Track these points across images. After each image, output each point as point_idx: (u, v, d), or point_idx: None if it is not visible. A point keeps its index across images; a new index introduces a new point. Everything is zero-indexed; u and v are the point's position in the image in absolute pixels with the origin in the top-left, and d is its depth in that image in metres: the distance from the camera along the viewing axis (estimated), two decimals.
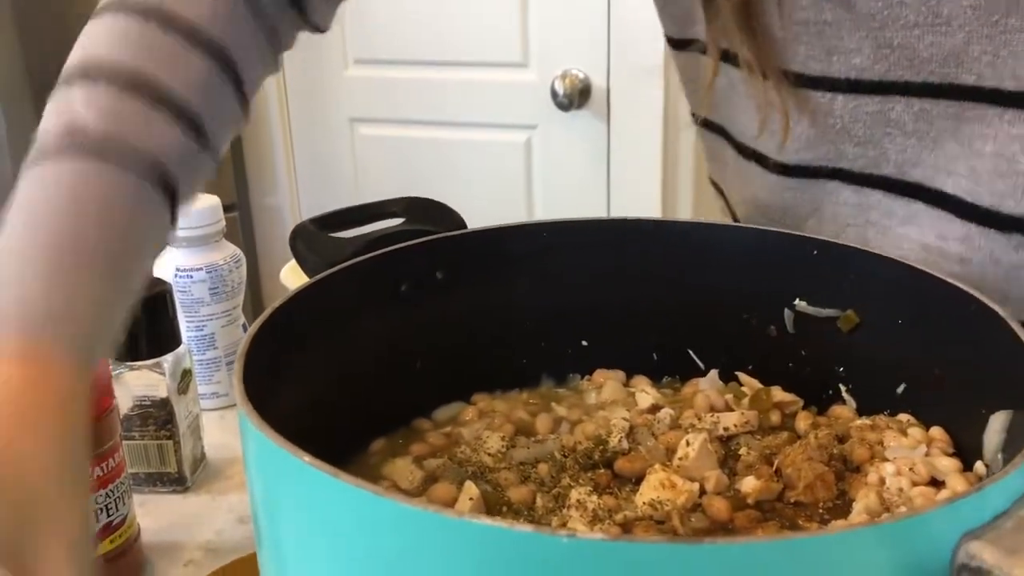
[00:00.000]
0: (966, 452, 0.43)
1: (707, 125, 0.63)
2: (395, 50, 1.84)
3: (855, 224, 0.55)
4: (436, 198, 0.55)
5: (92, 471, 0.58)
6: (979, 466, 0.41)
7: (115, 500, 0.60)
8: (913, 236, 0.53)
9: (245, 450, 0.36)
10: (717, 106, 0.60)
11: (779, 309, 0.51)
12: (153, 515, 0.66)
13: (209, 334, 0.80)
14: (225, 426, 0.80)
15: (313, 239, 0.51)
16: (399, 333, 0.50)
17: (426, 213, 0.53)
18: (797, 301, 0.50)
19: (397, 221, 0.54)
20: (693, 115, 0.65)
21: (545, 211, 1.81)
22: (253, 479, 0.36)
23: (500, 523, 0.27)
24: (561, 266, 0.53)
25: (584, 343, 0.54)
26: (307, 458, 0.30)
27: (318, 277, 0.45)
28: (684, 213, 1.75)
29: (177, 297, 0.78)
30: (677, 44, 0.63)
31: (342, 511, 0.30)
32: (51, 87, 0.48)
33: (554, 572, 0.26)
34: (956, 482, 0.40)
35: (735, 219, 0.65)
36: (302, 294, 0.44)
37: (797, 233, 0.49)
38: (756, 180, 0.58)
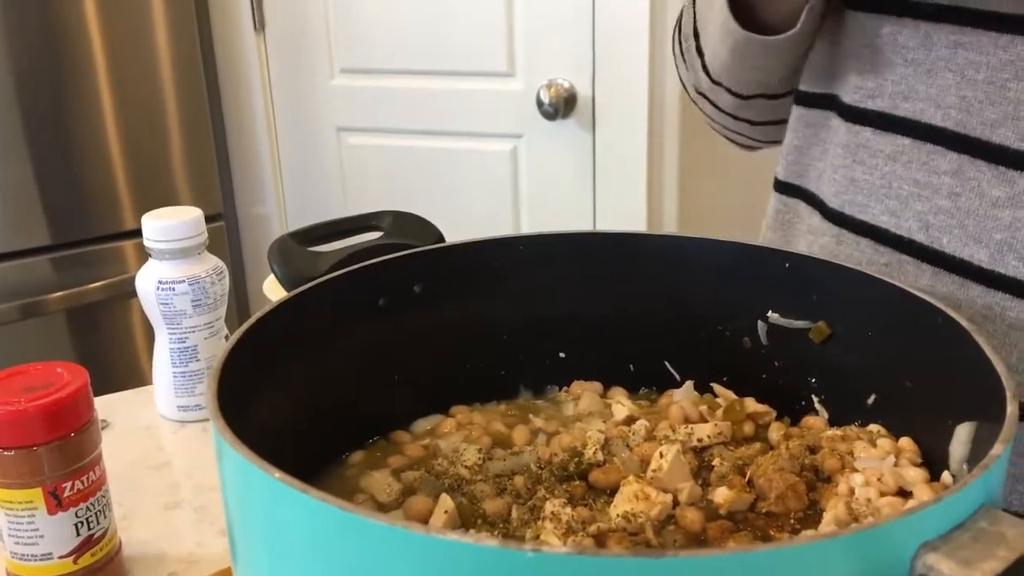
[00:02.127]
0: (934, 462, 0.43)
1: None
2: (381, 59, 1.84)
3: (844, 165, 0.56)
4: (423, 207, 0.56)
5: (71, 485, 0.58)
6: (946, 476, 0.42)
7: (95, 514, 0.60)
8: (901, 173, 0.54)
9: (220, 465, 0.36)
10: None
11: (753, 321, 0.51)
12: (134, 528, 0.67)
13: (191, 346, 0.80)
14: (206, 439, 0.81)
15: (290, 253, 0.52)
16: (377, 347, 0.50)
17: (405, 227, 0.54)
18: (770, 313, 0.51)
19: (377, 235, 0.54)
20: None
21: (531, 219, 1.82)
22: (227, 494, 0.36)
23: (466, 538, 0.27)
24: (538, 279, 0.53)
25: (562, 355, 0.55)
26: (277, 474, 0.30)
27: (295, 292, 0.46)
28: (669, 220, 1.76)
29: (159, 309, 0.78)
30: None
31: (311, 526, 0.30)
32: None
33: None
34: (923, 492, 0.41)
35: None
36: (279, 309, 0.45)
37: (770, 247, 0.50)
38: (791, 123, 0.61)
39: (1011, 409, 0.33)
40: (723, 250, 0.51)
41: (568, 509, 0.42)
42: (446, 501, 0.42)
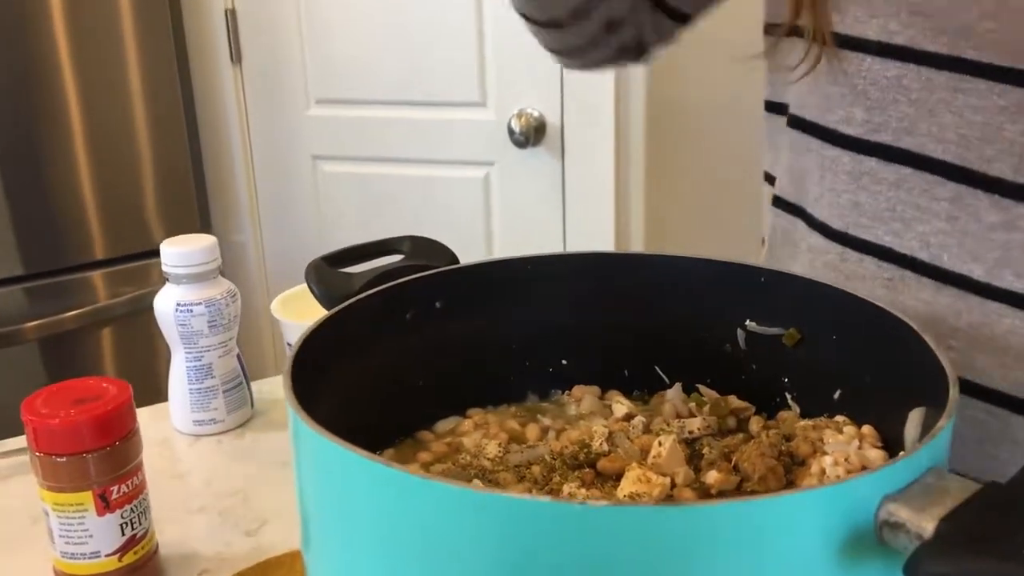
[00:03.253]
0: (892, 445, 0.51)
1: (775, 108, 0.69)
2: (356, 90, 1.91)
3: (848, 190, 0.61)
4: (397, 232, 0.62)
5: (118, 488, 0.64)
6: (902, 455, 0.49)
7: (138, 515, 0.66)
8: (904, 198, 0.58)
9: (296, 450, 0.43)
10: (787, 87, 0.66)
11: (732, 329, 0.59)
12: (168, 530, 0.72)
13: (207, 364, 0.86)
14: (222, 451, 0.86)
15: (325, 274, 0.58)
16: (405, 356, 0.57)
17: (423, 250, 0.61)
18: (748, 322, 0.58)
19: (398, 257, 0.61)
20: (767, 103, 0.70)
21: (503, 243, 1.89)
22: (303, 476, 0.43)
23: (527, 496, 0.34)
24: (544, 295, 0.60)
25: (564, 362, 0.62)
26: (364, 453, 0.37)
27: (338, 308, 0.52)
28: (636, 243, 1.84)
29: (178, 330, 0.84)
30: (767, 29, 0.68)
31: (385, 494, 0.37)
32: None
33: (570, 535, 0.33)
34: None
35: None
36: (325, 323, 0.51)
37: (748, 263, 0.58)
38: (785, 143, 0.65)
39: (952, 393, 0.41)
40: (706, 267, 0.59)
41: (583, 491, 0.49)
42: (477, 485, 0.49)
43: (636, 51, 0.71)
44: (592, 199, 1.82)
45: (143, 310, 1.89)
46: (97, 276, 1.88)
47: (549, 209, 1.85)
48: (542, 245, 1.86)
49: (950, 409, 0.40)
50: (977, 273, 0.55)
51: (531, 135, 1.79)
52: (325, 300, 0.56)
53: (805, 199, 0.64)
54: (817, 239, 0.63)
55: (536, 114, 1.79)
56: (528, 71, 1.78)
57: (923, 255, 0.57)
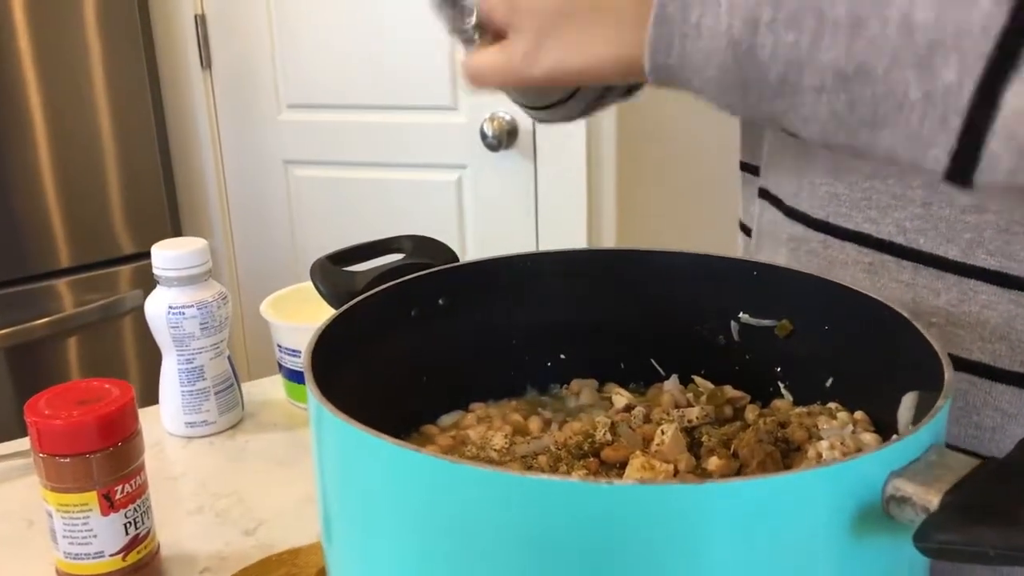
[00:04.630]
0: (883, 429, 0.53)
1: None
2: (327, 95, 1.92)
3: (826, 183, 0.62)
4: (370, 236, 0.64)
5: (121, 488, 0.64)
6: (895, 438, 0.51)
7: (141, 514, 0.66)
8: (879, 187, 0.59)
9: (320, 439, 0.44)
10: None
11: (726, 321, 0.61)
12: (164, 532, 0.73)
13: (199, 366, 0.86)
14: (215, 452, 0.87)
15: (331, 273, 0.59)
16: (410, 352, 0.58)
17: (424, 248, 0.62)
18: (741, 314, 0.60)
19: (399, 256, 0.62)
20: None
21: (476, 246, 1.91)
22: (324, 464, 0.44)
23: (556, 476, 0.35)
24: (542, 291, 0.62)
25: (562, 356, 0.63)
26: (394, 440, 0.38)
27: (347, 306, 0.54)
28: (608, 244, 1.86)
29: (170, 332, 0.85)
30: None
31: (419, 479, 0.38)
32: None
33: (599, 513, 0.35)
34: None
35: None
36: (336, 321, 0.52)
37: (739, 257, 0.60)
38: (766, 136, 0.68)
39: (948, 375, 0.43)
40: (700, 262, 0.60)
41: (591, 479, 0.50)
42: (498, 468, 0.50)
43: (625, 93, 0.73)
44: (564, 201, 1.84)
45: (111, 318, 1.91)
46: (63, 284, 1.87)
47: (522, 211, 1.87)
48: (515, 247, 1.87)
49: (947, 390, 0.42)
50: (952, 253, 0.57)
51: (503, 138, 1.81)
52: (331, 298, 0.57)
53: (784, 191, 0.67)
54: (798, 228, 0.65)
55: (508, 117, 1.81)
56: None
57: (900, 240, 0.59)
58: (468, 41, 0.51)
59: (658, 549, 0.36)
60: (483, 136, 1.81)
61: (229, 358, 0.89)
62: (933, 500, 0.36)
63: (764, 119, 0.42)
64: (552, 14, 0.44)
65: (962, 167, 0.36)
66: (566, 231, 1.84)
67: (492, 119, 1.80)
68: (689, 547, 0.36)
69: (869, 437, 0.52)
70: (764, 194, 0.68)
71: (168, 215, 1.99)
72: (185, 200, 2.08)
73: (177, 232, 2.05)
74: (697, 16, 0.38)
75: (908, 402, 0.50)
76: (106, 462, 0.63)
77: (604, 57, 0.44)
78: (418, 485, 0.39)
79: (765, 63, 0.37)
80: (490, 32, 0.49)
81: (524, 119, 1.81)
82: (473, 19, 0.49)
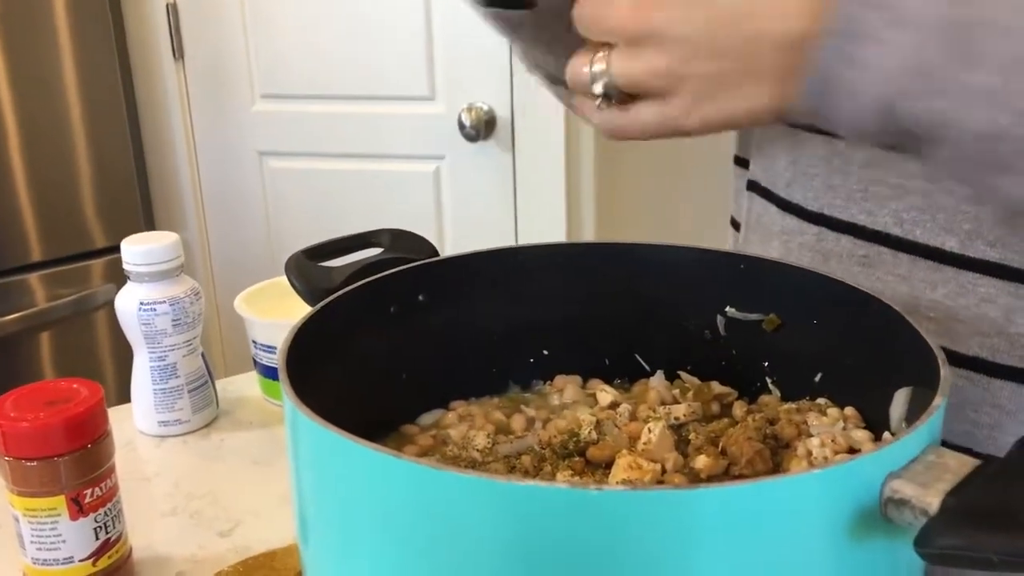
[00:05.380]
0: (874, 426, 0.52)
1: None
2: (302, 85, 1.89)
3: (819, 174, 0.62)
4: (347, 228, 0.62)
5: (91, 492, 0.63)
6: (887, 436, 0.50)
7: (112, 518, 0.64)
8: (876, 176, 0.60)
9: (296, 443, 0.42)
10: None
11: (712, 316, 0.59)
12: (137, 534, 0.71)
13: (171, 364, 0.84)
14: (189, 451, 0.85)
15: (307, 269, 0.57)
16: (389, 350, 0.57)
17: (403, 243, 0.60)
18: (728, 308, 0.59)
19: (377, 250, 0.60)
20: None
21: (455, 238, 1.89)
22: (299, 467, 0.42)
23: (541, 483, 0.34)
24: (524, 285, 0.60)
25: (545, 352, 0.62)
26: (372, 445, 0.37)
27: (325, 302, 0.52)
28: (588, 236, 1.85)
29: (141, 329, 0.82)
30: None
31: (400, 486, 0.37)
32: None
33: (587, 520, 0.34)
34: (869, 449, 0.49)
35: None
36: (314, 317, 0.50)
37: (726, 250, 0.58)
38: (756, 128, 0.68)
39: (944, 372, 0.42)
40: (685, 255, 0.59)
41: (577, 479, 0.49)
42: (479, 473, 0.49)
43: None
44: (543, 192, 1.82)
45: (84, 313, 1.88)
46: (35, 278, 1.84)
47: (500, 203, 1.85)
48: (494, 239, 1.86)
49: (943, 388, 0.41)
50: (950, 245, 0.56)
51: (481, 129, 1.79)
52: (307, 295, 0.55)
53: (777, 183, 0.65)
54: (792, 221, 0.64)
55: (486, 108, 1.79)
56: (477, 65, 1.78)
57: (897, 231, 0.59)
58: (598, 99, 0.51)
59: (648, 556, 0.35)
60: (461, 127, 1.79)
61: (203, 355, 0.87)
62: (933, 502, 0.35)
63: (895, 153, 0.47)
64: (711, 79, 0.46)
65: None
66: (545, 223, 1.83)
67: (470, 109, 1.78)
68: (680, 554, 0.35)
69: (861, 434, 0.51)
70: (753, 186, 0.67)
71: (141, 208, 1.96)
72: (158, 193, 2.04)
73: (150, 225, 2.02)
74: (851, 80, 0.43)
75: (901, 398, 0.49)
76: (74, 465, 0.61)
77: (757, 110, 0.47)
78: (398, 491, 0.37)
79: (910, 126, 0.42)
80: (625, 92, 0.50)
81: (502, 110, 1.79)
82: (602, 86, 0.50)
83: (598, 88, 0.50)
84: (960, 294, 0.56)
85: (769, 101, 0.46)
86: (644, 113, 0.49)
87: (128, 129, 1.91)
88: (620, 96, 0.50)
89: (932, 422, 0.39)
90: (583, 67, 0.50)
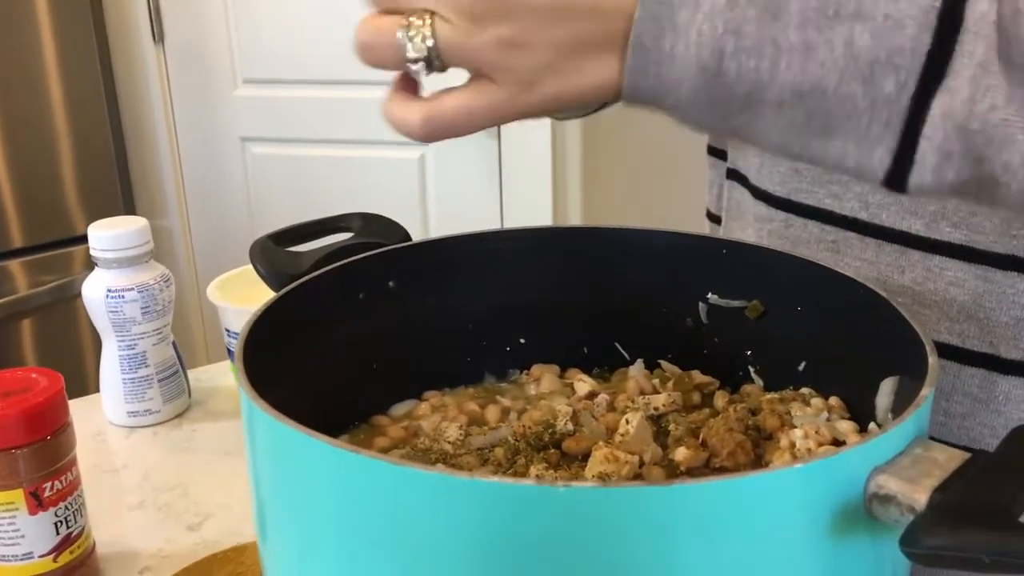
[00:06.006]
0: (859, 417, 0.50)
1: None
2: (285, 69, 1.86)
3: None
4: (330, 215, 0.60)
5: (50, 485, 0.60)
6: (872, 427, 0.48)
7: (73, 512, 0.62)
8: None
9: (252, 440, 0.40)
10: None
11: (694, 303, 0.58)
12: (102, 529, 0.68)
13: (140, 352, 0.82)
14: (159, 443, 0.83)
15: (272, 254, 0.55)
16: (358, 338, 0.54)
17: (374, 227, 0.58)
18: (710, 295, 0.57)
19: (347, 235, 0.58)
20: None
21: (439, 225, 1.86)
22: (262, 467, 0.40)
23: (507, 479, 0.32)
24: (499, 271, 0.58)
25: (522, 340, 0.60)
26: (331, 440, 0.35)
27: (290, 288, 0.50)
28: (574, 223, 1.83)
29: (109, 317, 0.80)
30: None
31: (361, 484, 0.35)
32: None
33: (556, 518, 0.32)
34: (854, 440, 0.47)
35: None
36: (274, 306, 0.48)
37: (708, 235, 0.56)
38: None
39: (932, 360, 0.40)
40: (666, 239, 0.57)
41: (551, 472, 0.47)
42: (442, 470, 0.47)
43: None
44: (529, 179, 1.80)
45: (66, 299, 1.85)
46: (15, 265, 1.82)
47: (486, 190, 1.83)
48: (479, 227, 1.83)
49: (931, 377, 0.39)
50: (916, 227, 0.55)
51: None
52: (272, 281, 0.53)
53: (748, 170, 0.64)
54: (761, 208, 0.62)
55: None
56: None
57: (863, 215, 0.57)
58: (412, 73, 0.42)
59: (622, 555, 0.33)
60: None
61: (174, 343, 0.85)
62: (920, 499, 0.33)
63: (729, 133, 0.44)
64: (562, 46, 0.41)
65: (899, 168, 0.40)
66: (531, 211, 1.81)
67: None
68: (657, 551, 0.33)
69: (846, 425, 0.49)
70: (733, 174, 0.65)
71: (121, 194, 1.93)
72: (139, 179, 2.01)
73: (131, 212, 1.99)
74: (670, 46, 0.40)
75: (887, 388, 0.47)
76: (33, 457, 0.59)
77: (604, 83, 0.42)
78: (357, 488, 0.35)
79: (731, 85, 0.40)
80: (440, 70, 0.42)
81: None
82: (422, 57, 0.41)
83: (413, 58, 0.41)
84: (928, 279, 0.55)
85: (609, 75, 0.41)
86: (461, 96, 0.41)
87: (108, 114, 1.88)
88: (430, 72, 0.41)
89: (919, 414, 0.37)
90: (392, 31, 0.41)
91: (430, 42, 0.40)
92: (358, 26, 0.44)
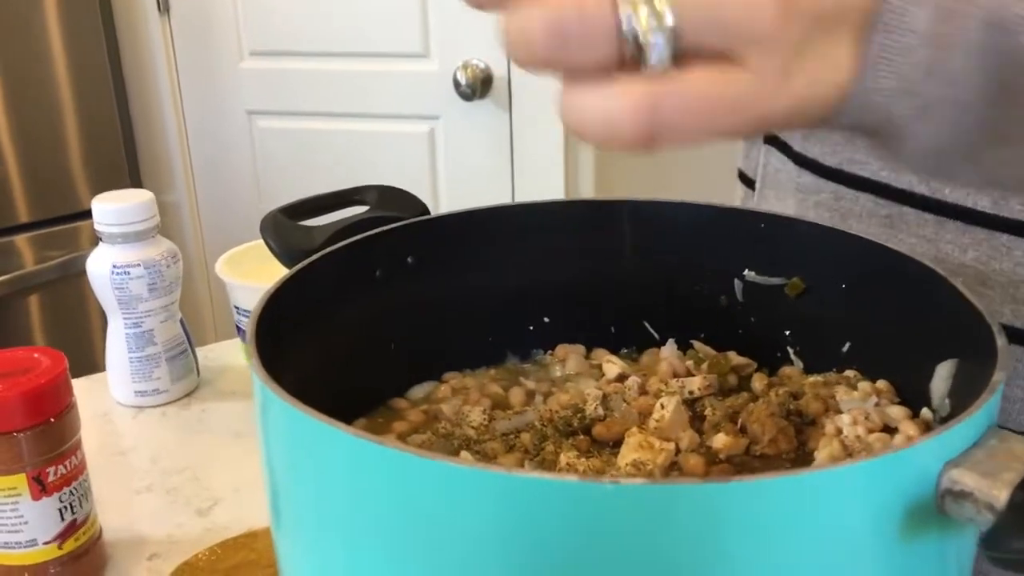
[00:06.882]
0: (909, 401, 0.47)
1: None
2: (292, 41, 1.82)
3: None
4: (338, 190, 0.57)
5: (54, 470, 0.58)
6: (925, 412, 0.45)
7: (79, 498, 0.60)
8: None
9: (266, 426, 0.37)
10: None
11: (729, 280, 0.54)
12: (109, 514, 0.66)
13: (148, 330, 0.79)
14: (168, 423, 0.80)
15: (284, 228, 0.52)
16: (374, 317, 0.51)
17: (391, 200, 0.55)
18: (746, 271, 0.54)
19: (362, 209, 0.55)
20: None
21: (450, 201, 1.83)
22: (276, 453, 0.37)
23: (548, 475, 0.29)
24: (522, 247, 0.55)
25: (546, 319, 0.57)
26: (351, 430, 0.32)
27: (301, 266, 0.47)
28: (587, 195, 1.80)
29: (114, 294, 0.77)
30: None
31: (383, 476, 0.32)
32: None
33: (602, 517, 0.29)
34: (908, 427, 0.44)
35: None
36: (288, 283, 0.45)
37: (745, 208, 0.53)
38: None
39: (1000, 342, 0.37)
40: (699, 212, 0.54)
41: (583, 460, 0.44)
42: (468, 457, 0.44)
43: None
44: (541, 152, 1.76)
45: (73, 275, 1.83)
46: (22, 240, 1.80)
47: (497, 164, 1.79)
48: (490, 201, 1.80)
49: (1003, 360, 0.36)
50: (982, 204, 0.52)
51: (477, 87, 1.72)
52: (284, 256, 0.50)
53: (793, 136, 0.60)
54: (808, 178, 0.59)
55: (482, 65, 1.73)
56: (472, 21, 1.70)
57: (923, 189, 0.54)
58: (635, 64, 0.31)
59: (669, 557, 0.30)
60: (456, 85, 1.72)
61: (182, 321, 0.82)
62: (1000, 495, 0.30)
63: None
64: (811, 29, 0.30)
65: None
66: (543, 185, 1.77)
67: (466, 67, 1.72)
68: (706, 554, 0.30)
69: (897, 411, 0.46)
70: (771, 139, 0.62)
71: (127, 168, 1.91)
72: (145, 153, 1.98)
73: (137, 187, 1.96)
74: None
75: (943, 372, 0.44)
76: (35, 441, 0.57)
77: (839, 84, 0.32)
78: (376, 479, 0.32)
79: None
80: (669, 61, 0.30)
81: (499, 67, 1.73)
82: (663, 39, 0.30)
83: (651, 44, 0.30)
84: (993, 258, 0.52)
85: (848, 73, 0.32)
86: (718, 84, 0.30)
87: (113, 87, 1.85)
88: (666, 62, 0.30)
89: (992, 402, 0.34)
90: (610, 8, 0.30)
91: (670, 19, 0.30)
92: (535, 10, 0.31)
